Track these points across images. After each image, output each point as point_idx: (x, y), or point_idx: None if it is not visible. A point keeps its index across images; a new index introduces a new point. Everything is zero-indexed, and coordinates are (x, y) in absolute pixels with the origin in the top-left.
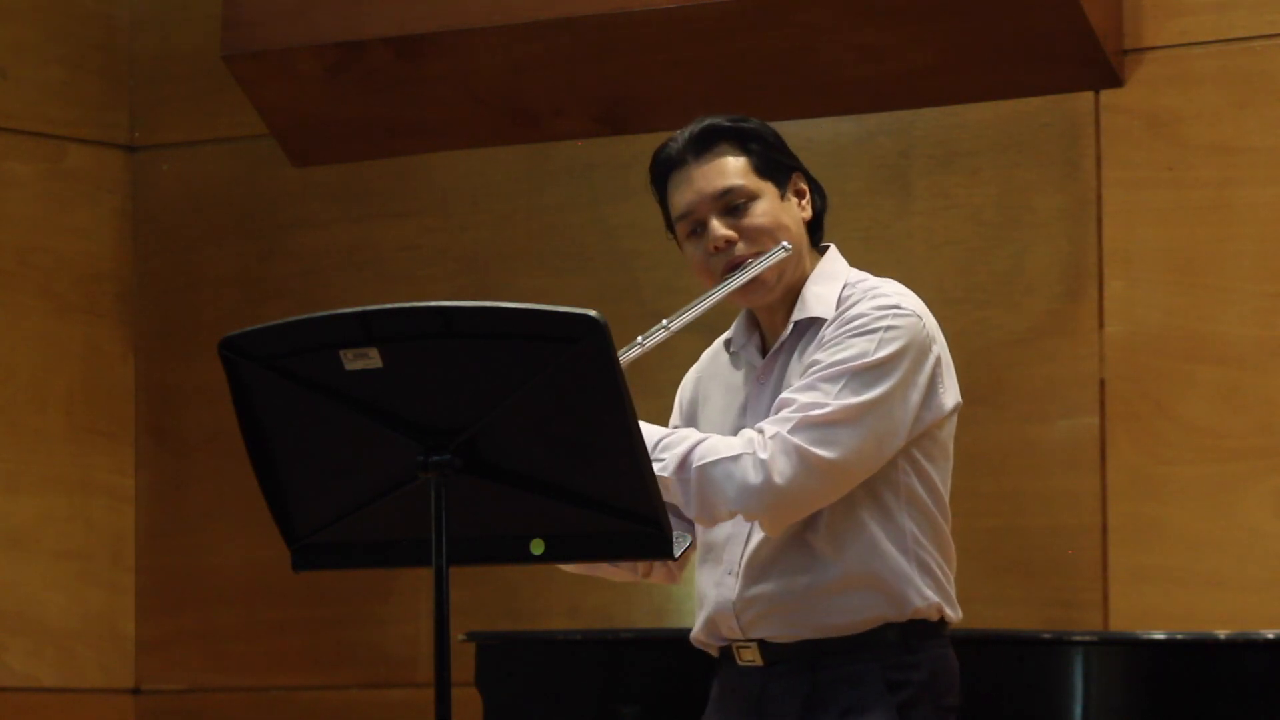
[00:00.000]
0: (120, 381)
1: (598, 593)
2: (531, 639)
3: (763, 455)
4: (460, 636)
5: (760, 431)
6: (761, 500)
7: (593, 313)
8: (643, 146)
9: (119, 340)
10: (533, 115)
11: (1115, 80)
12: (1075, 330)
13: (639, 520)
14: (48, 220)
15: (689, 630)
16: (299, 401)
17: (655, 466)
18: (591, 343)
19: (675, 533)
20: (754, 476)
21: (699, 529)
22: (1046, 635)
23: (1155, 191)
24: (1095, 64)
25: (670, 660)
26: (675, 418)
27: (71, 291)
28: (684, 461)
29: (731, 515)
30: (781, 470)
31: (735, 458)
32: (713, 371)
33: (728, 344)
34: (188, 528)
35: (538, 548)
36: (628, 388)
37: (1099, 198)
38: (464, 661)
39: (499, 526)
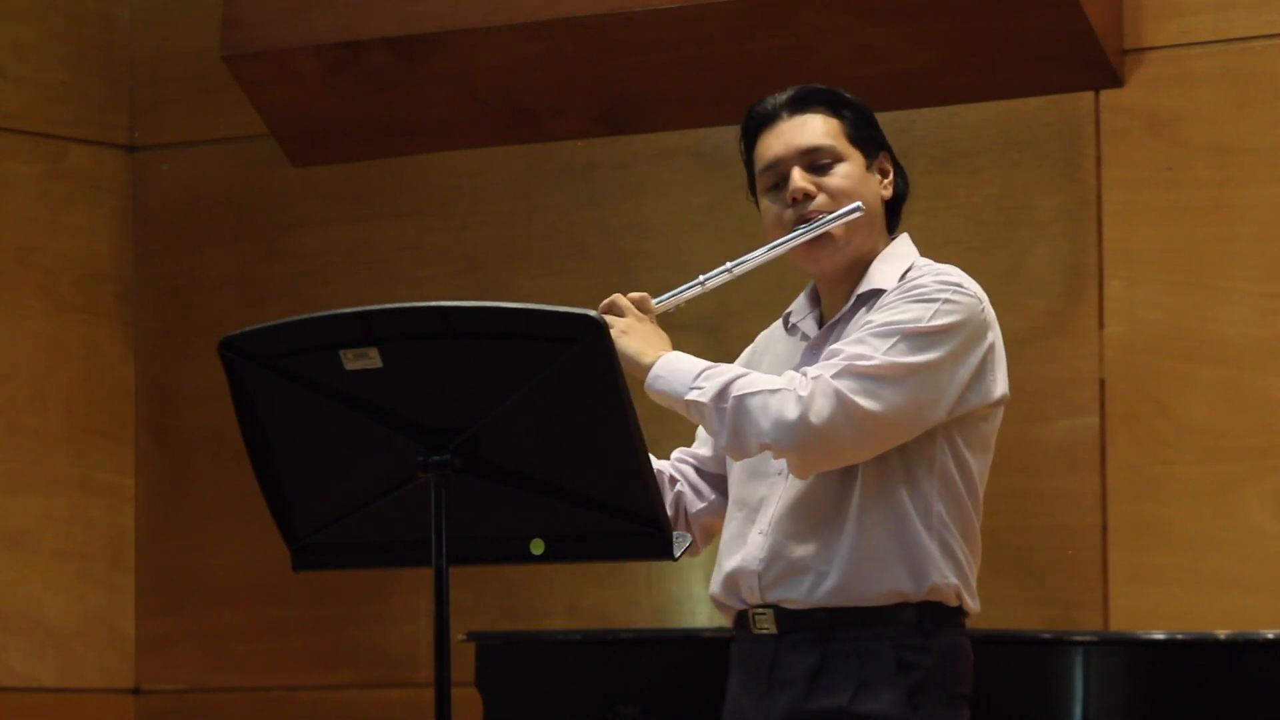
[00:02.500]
0: (120, 381)
1: (598, 593)
2: (531, 639)
3: (802, 393)
4: (460, 636)
5: (804, 373)
6: (794, 436)
7: (593, 313)
8: (643, 146)
9: (119, 340)
10: (533, 115)
11: (1115, 80)
12: (1075, 330)
13: (639, 520)
14: (48, 220)
15: (689, 630)
16: (299, 401)
17: (693, 394)
18: (591, 343)
19: (675, 532)
20: (791, 412)
21: (734, 486)
22: (1046, 635)
23: (1155, 191)
24: (1095, 64)
25: (670, 660)
26: None
27: (71, 291)
28: (723, 390)
29: (762, 449)
30: (819, 410)
31: (774, 391)
32: (766, 345)
33: (786, 318)
34: (188, 528)
35: (538, 548)
36: (627, 387)
37: (1099, 198)
38: (464, 661)
39: (499, 526)
